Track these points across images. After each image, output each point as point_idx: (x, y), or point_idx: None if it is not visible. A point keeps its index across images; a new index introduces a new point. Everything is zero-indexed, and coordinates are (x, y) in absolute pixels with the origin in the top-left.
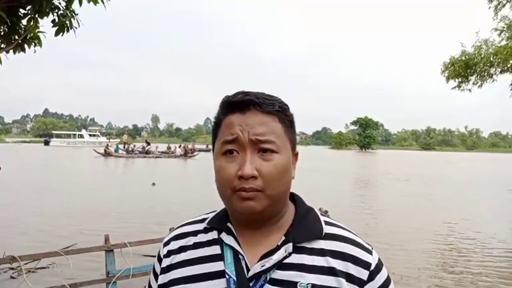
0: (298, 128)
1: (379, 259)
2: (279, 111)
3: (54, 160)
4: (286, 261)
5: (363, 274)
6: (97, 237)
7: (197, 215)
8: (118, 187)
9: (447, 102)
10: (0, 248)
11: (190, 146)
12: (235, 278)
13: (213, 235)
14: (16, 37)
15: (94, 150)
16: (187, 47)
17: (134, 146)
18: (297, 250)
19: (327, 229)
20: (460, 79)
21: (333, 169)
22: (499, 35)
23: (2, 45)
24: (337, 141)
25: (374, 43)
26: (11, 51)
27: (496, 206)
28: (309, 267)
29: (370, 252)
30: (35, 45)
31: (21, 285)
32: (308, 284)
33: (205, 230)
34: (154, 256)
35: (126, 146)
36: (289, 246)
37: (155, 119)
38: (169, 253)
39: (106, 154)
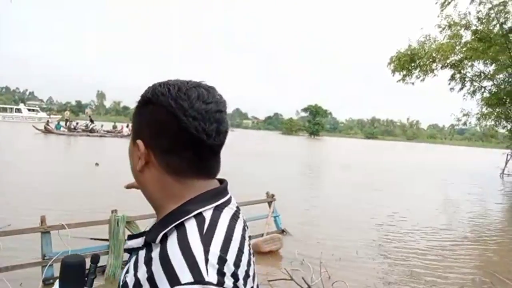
0: (250, 113)
1: None
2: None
3: None
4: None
5: None
6: (33, 218)
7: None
8: (58, 167)
9: (392, 94)
10: None
11: None
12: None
13: None
14: None
15: (33, 127)
16: (140, 22)
17: (77, 123)
18: (147, 246)
19: (169, 235)
20: (404, 72)
21: (282, 154)
22: (441, 32)
23: None
24: (287, 127)
25: (331, 28)
26: None
27: (429, 194)
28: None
29: (177, 283)
30: None
31: None
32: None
33: None
34: (95, 239)
35: (68, 123)
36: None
37: (101, 96)
38: None
39: (46, 131)
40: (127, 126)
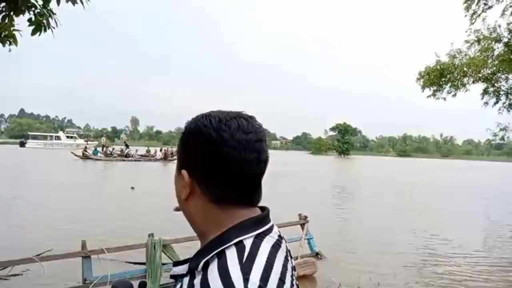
0: (278, 133)
1: None
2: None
3: (30, 162)
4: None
5: None
6: (73, 242)
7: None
8: (97, 191)
9: (424, 110)
10: None
11: (170, 150)
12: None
13: None
14: None
15: (72, 153)
16: (166, 48)
17: (113, 149)
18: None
19: (211, 262)
20: (435, 88)
21: (312, 174)
22: (468, 48)
23: None
24: (316, 147)
25: (353, 49)
26: None
27: (470, 213)
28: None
29: None
30: (10, 44)
31: None
32: None
33: None
34: (132, 263)
35: (104, 149)
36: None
37: (135, 121)
38: None
39: (84, 156)
40: (160, 150)
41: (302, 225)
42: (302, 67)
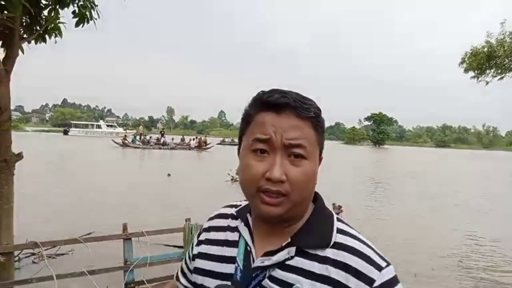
0: None
1: (391, 279)
2: (314, 117)
3: (74, 150)
4: (288, 262)
5: None
6: (115, 226)
7: (236, 200)
8: (136, 177)
9: (465, 100)
10: (22, 235)
11: (203, 139)
12: (241, 267)
13: (236, 223)
14: (38, 27)
15: (112, 141)
16: (200, 39)
17: (150, 137)
18: (301, 254)
19: (337, 238)
20: (479, 71)
21: (347, 165)
22: None
23: (24, 35)
24: (350, 137)
25: (389, 36)
26: (32, 41)
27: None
28: (308, 272)
29: (380, 268)
30: (55, 36)
31: (42, 270)
32: None
33: (234, 216)
34: (171, 246)
35: (142, 137)
36: (292, 250)
37: (170, 111)
38: (209, 229)
39: (124, 144)
40: (193, 139)
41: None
42: (334, 56)
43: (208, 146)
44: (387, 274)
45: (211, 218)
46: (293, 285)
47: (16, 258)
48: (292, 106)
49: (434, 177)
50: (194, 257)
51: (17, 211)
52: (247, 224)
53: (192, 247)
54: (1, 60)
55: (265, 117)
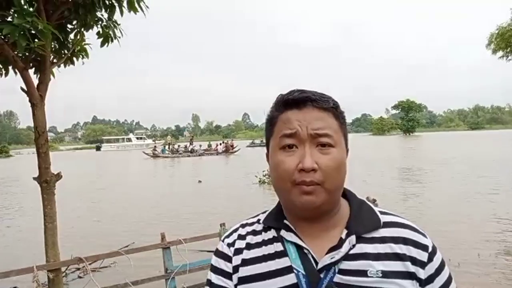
0: None
1: (433, 242)
2: (333, 107)
3: (108, 164)
4: (351, 252)
5: (424, 256)
6: (153, 236)
7: (250, 216)
8: (168, 187)
9: (496, 78)
10: (65, 251)
11: (230, 143)
12: (303, 272)
13: (272, 233)
14: (66, 51)
15: (143, 152)
16: (215, 45)
17: (179, 146)
18: (359, 240)
19: (383, 218)
20: (508, 49)
21: (377, 156)
22: None
23: (54, 60)
24: (378, 127)
25: (411, 19)
26: (62, 64)
27: None
28: (375, 255)
29: (425, 235)
30: (82, 57)
31: (88, 284)
32: (377, 271)
33: (264, 230)
34: (207, 251)
35: (171, 146)
36: (353, 238)
37: (196, 118)
38: (237, 252)
39: (154, 155)
40: (220, 144)
41: None
42: (354, 47)
43: (235, 149)
44: (430, 239)
45: (233, 244)
46: (366, 271)
47: (63, 274)
48: (312, 99)
49: (468, 162)
50: (242, 281)
51: (60, 228)
52: (289, 229)
53: (230, 277)
54: (36, 86)
55: (288, 114)
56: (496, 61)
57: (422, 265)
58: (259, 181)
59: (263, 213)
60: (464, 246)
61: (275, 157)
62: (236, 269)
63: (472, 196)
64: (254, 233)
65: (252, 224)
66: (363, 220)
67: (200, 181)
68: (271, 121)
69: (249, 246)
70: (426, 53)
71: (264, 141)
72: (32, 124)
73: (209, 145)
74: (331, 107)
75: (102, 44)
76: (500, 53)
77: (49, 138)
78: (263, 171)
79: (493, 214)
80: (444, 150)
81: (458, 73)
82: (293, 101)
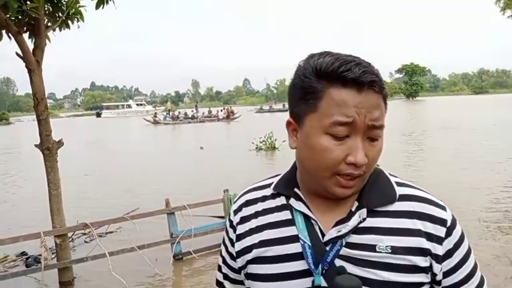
0: None
1: (453, 215)
2: (386, 89)
3: (110, 131)
4: (361, 225)
5: (441, 231)
6: (155, 202)
7: (260, 179)
8: (171, 153)
9: (502, 40)
10: (71, 217)
11: (230, 109)
12: (309, 243)
13: (281, 200)
14: (60, 14)
15: (144, 119)
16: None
17: (179, 112)
18: (371, 214)
19: (399, 191)
20: None
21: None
22: None
23: (49, 24)
24: None
25: None
26: (57, 28)
27: None
28: (386, 229)
29: (444, 208)
30: (78, 21)
31: (94, 248)
32: (387, 246)
33: (272, 196)
34: (211, 216)
35: (171, 113)
36: (363, 212)
37: (195, 84)
38: (242, 220)
39: (155, 122)
40: (221, 110)
41: None
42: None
43: (235, 115)
44: (449, 211)
45: (239, 209)
46: (375, 246)
47: (70, 239)
48: (374, 81)
49: (470, 129)
50: (244, 252)
51: (65, 195)
52: (298, 199)
53: (233, 244)
54: (32, 52)
55: (343, 95)
56: (502, 25)
57: (439, 240)
58: (256, 148)
59: (275, 176)
60: (465, 211)
61: (318, 140)
62: (242, 236)
63: (472, 165)
64: (263, 198)
65: (263, 187)
66: (377, 193)
67: (202, 148)
68: (313, 94)
69: (256, 214)
70: (430, 16)
71: (274, 107)
72: (30, 91)
73: (210, 111)
74: (384, 89)
75: (97, 6)
76: (509, 12)
77: (48, 104)
78: (261, 138)
79: (497, 182)
80: (445, 115)
81: (463, 35)
82: (353, 80)
